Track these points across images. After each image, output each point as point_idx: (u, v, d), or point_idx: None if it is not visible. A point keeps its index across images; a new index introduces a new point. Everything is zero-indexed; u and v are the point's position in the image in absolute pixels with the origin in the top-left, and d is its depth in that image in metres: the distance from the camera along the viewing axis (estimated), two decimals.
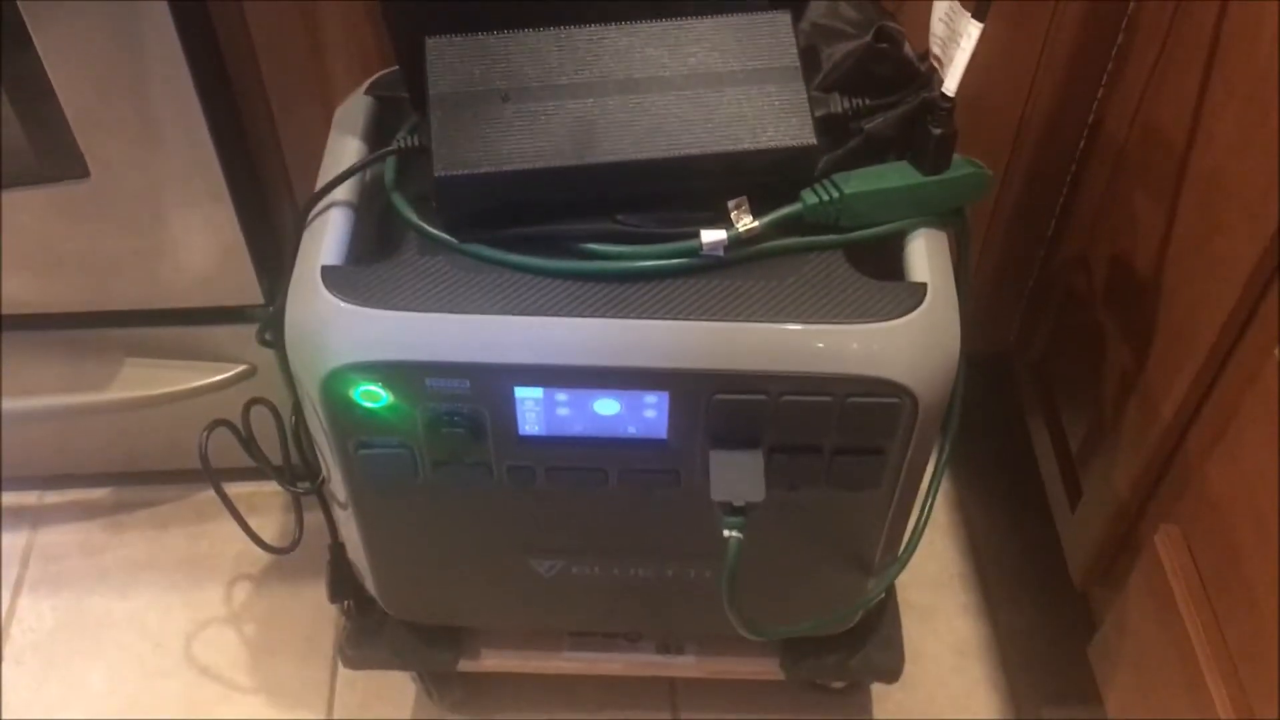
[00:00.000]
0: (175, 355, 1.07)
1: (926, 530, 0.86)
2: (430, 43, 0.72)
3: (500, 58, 0.72)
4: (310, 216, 0.76)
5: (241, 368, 1.07)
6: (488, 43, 0.72)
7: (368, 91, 0.85)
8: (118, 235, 0.96)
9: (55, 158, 0.90)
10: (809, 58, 0.74)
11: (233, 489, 0.92)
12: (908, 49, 0.75)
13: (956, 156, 0.73)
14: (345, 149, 0.80)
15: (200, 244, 0.97)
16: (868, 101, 0.74)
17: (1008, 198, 1.02)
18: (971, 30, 0.68)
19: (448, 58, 0.72)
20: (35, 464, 1.20)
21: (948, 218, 0.76)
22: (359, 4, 0.87)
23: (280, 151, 0.98)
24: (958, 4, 0.71)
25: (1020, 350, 1.13)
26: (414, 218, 0.74)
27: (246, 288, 1.01)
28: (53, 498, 1.23)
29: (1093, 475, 0.94)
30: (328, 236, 0.74)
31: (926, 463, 0.78)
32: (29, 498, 1.23)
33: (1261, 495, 0.69)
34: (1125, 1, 0.88)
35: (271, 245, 1.01)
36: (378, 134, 0.82)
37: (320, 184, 0.78)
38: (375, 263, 0.73)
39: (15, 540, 1.20)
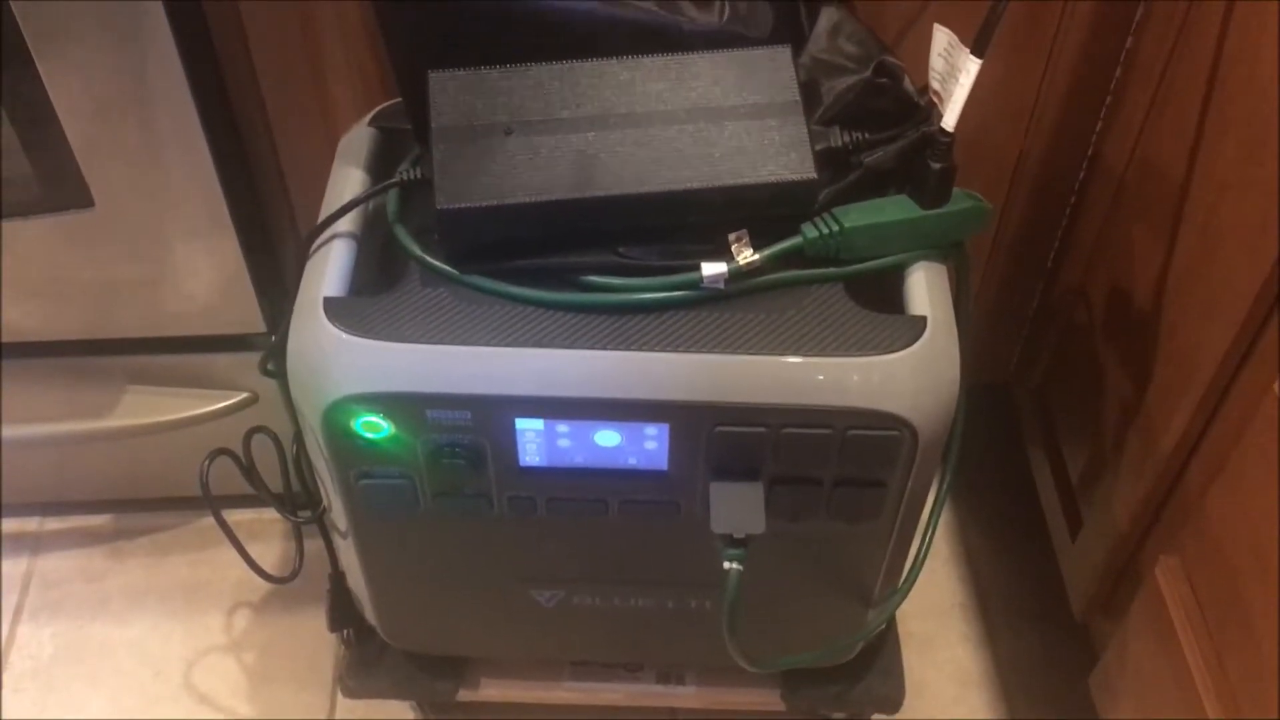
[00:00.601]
0: (177, 382, 1.07)
1: (927, 559, 0.86)
2: (433, 76, 0.72)
3: (502, 91, 0.72)
4: (313, 248, 0.76)
5: (243, 395, 1.08)
6: (490, 76, 0.72)
7: (371, 122, 0.85)
8: (121, 264, 0.96)
9: (60, 187, 0.91)
10: (809, 91, 0.75)
11: (233, 515, 0.92)
12: (907, 83, 0.75)
13: (956, 190, 0.74)
14: (348, 180, 0.81)
15: (203, 273, 0.97)
16: (868, 135, 0.74)
17: (1008, 228, 1.02)
18: (970, 66, 0.69)
19: (450, 91, 0.72)
20: (36, 490, 1.20)
21: (947, 250, 0.76)
22: (362, 36, 0.88)
23: (283, 181, 0.98)
24: (957, 40, 0.71)
25: (1020, 379, 1.13)
26: (416, 249, 0.74)
27: (249, 316, 1.01)
28: (53, 524, 1.23)
29: (1093, 505, 0.95)
30: (330, 267, 0.74)
31: (927, 494, 0.78)
32: (30, 524, 1.23)
33: (1261, 528, 0.69)
34: (1123, 36, 0.88)
35: (274, 274, 1.01)
36: (381, 165, 0.83)
37: (323, 215, 0.78)
38: (377, 294, 0.73)
39: (15, 566, 1.20)
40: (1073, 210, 1.00)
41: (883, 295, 0.74)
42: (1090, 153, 0.96)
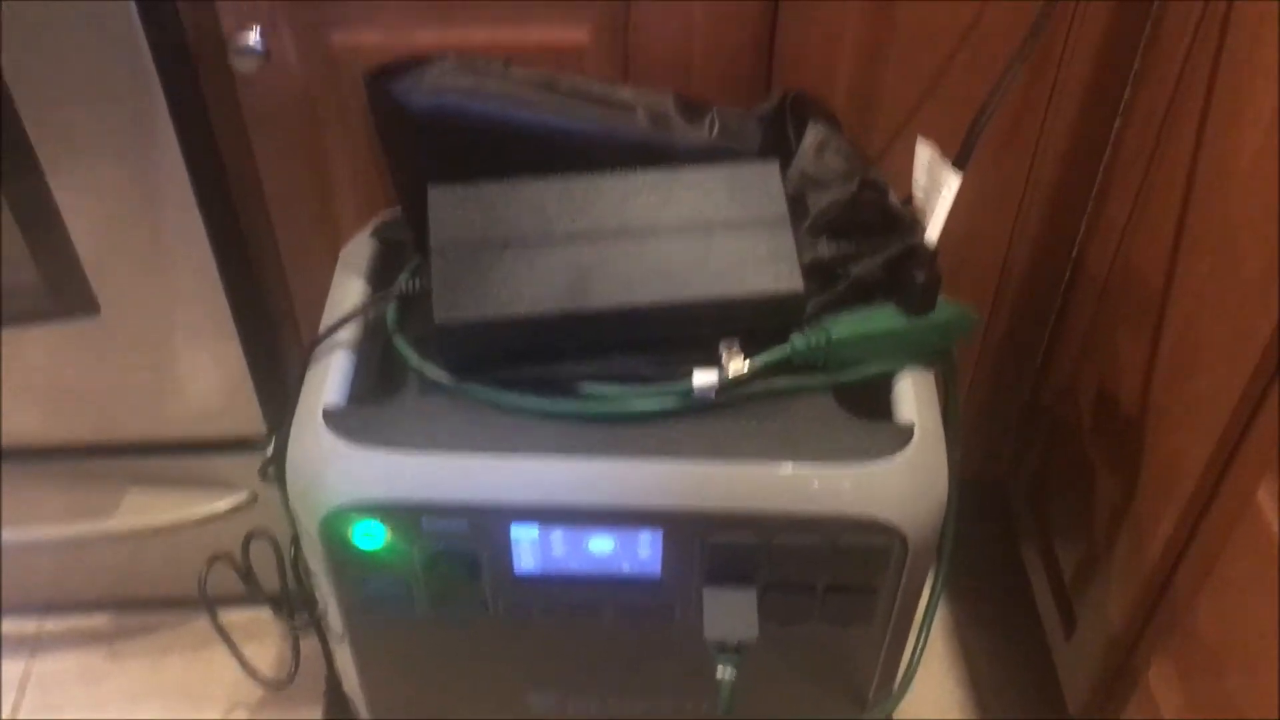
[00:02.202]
0: (177, 484, 1.08)
1: (923, 658, 0.86)
2: (433, 192, 0.75)
3: (500, 206, 0.74)
4: (313, 357, 0.78)
5: (243, 496, 1.08)
6: (487, 191, 0.75)
7: (372, 232, 0.88)
8: (125, 370, 0.97)
9: (67, 294, 0.92)
10: (797, 204, 0.77)
11: (230, 615, 0.92)
12: (892, 197, 0.78)
13: (942, 298, 0.76)
14: (350, 288, 0.83)
15: (206, 378, 0.99)
16: (854, 247, 0.76)
17: (996, 329, 1.04)
18: (952, 181, 0.71)
19: (449, 206, 0.75)
20: (35, 592, 1.20)
21: (935, 356, 0.78)
22: (366, 147, 0.91)
23: (286, 286, 1.00)
24: (939, 154, 0.74)
25: (1013, 476, 1.14)
26: (414, 360, 0.75)
27: (250, 418, 1.03)
28: (51, 625, 1.23)
29: (1087, 606, 0.95)
30: (330, 377, 0.76)
31: (919, 598, 0.79)
32: (28, 625, 1.23)
33: (1250, 635, 0.70)
34: (1103, 147, 0.91)
35: (275, 376, 1.03)
36: (382, 273, 0.85)
37: (324, 324, 0.80)
38: (376, 401, 0.75)
39: (13, 668, 1.19)
40: (1059, 313, 1.02)
41: (871, 400, 0.76)
42: (1074, 256, 0.98)
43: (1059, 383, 1.02)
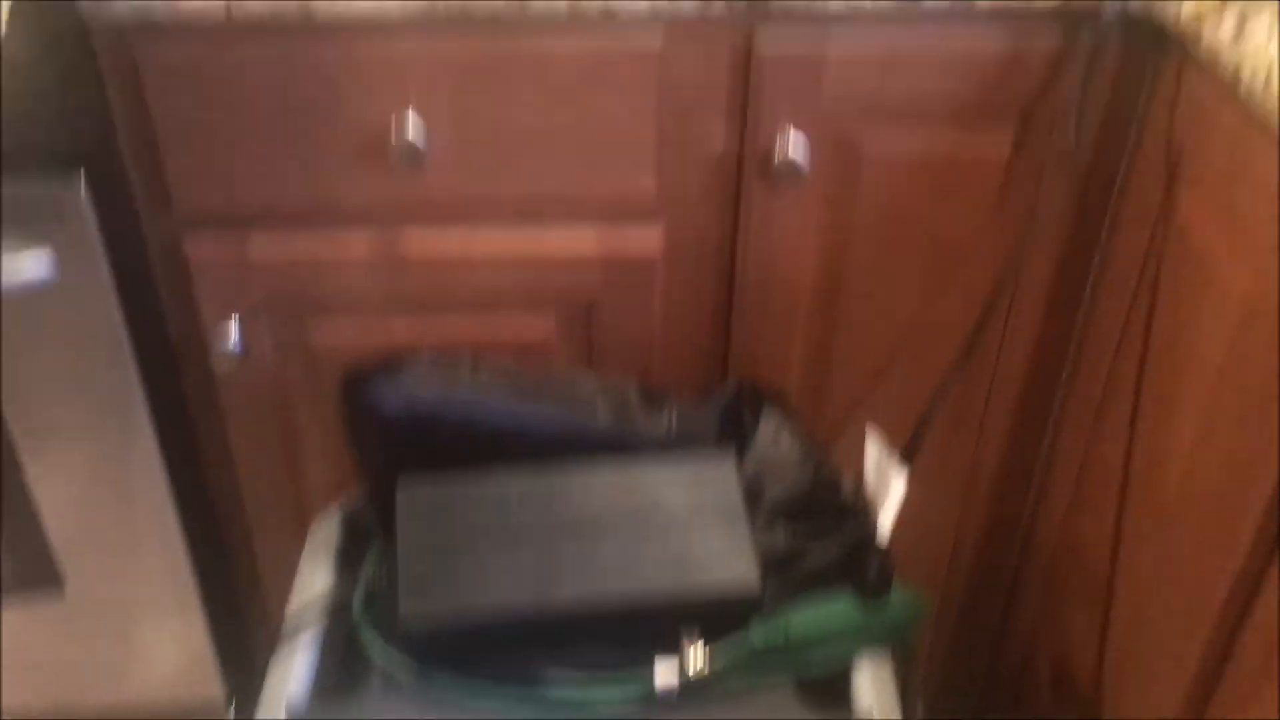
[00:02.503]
0: None
1: None
2: (401, 489, 0.77)
3: (466, 500, 0.77)
4: (277, 652, 0.78)
5: None
6: (454, 485, 0.77)
7: (341, 508, 0.89)
8: (87, 643, 0.97)
9: (33, 570, 0.93)
10: (754, 490, 0.80)
11: None
12: (845, 485, 0.81)
13: (896, 584, 0.78)
14: (317, 569, 0.84)
15: (169, 650, 0.98)
16: (809, 533, 0.79)
17: (951, 606, 1.05)
18: (899, 480, 0.75)
19: (417, 501, 0.77)
20: None
21: (892, 641, 0.79)
22: (337, 430, 0.93)
23: (254, 557, 1.01)
24: (887, 451, 0.77)
25: None
26: (379, 654, 0.76)
27: (211, 688, 1.02)
28: None
29: None
30: (293, 673, 0.76)
31: None
32: None
33: None
34: (1042, 433, 0.95)
35: (240, 645, 1.02)
36: (350, 550, 0.86)
37: (291, 604, 0.81)
38: (339, 698, 0.75)
39: None
40: (1012, 589, 1.04)
41: (829, 688, 0.76)
42: (1022, 535, 1.00)
43: (1017, 657, 1.03)
